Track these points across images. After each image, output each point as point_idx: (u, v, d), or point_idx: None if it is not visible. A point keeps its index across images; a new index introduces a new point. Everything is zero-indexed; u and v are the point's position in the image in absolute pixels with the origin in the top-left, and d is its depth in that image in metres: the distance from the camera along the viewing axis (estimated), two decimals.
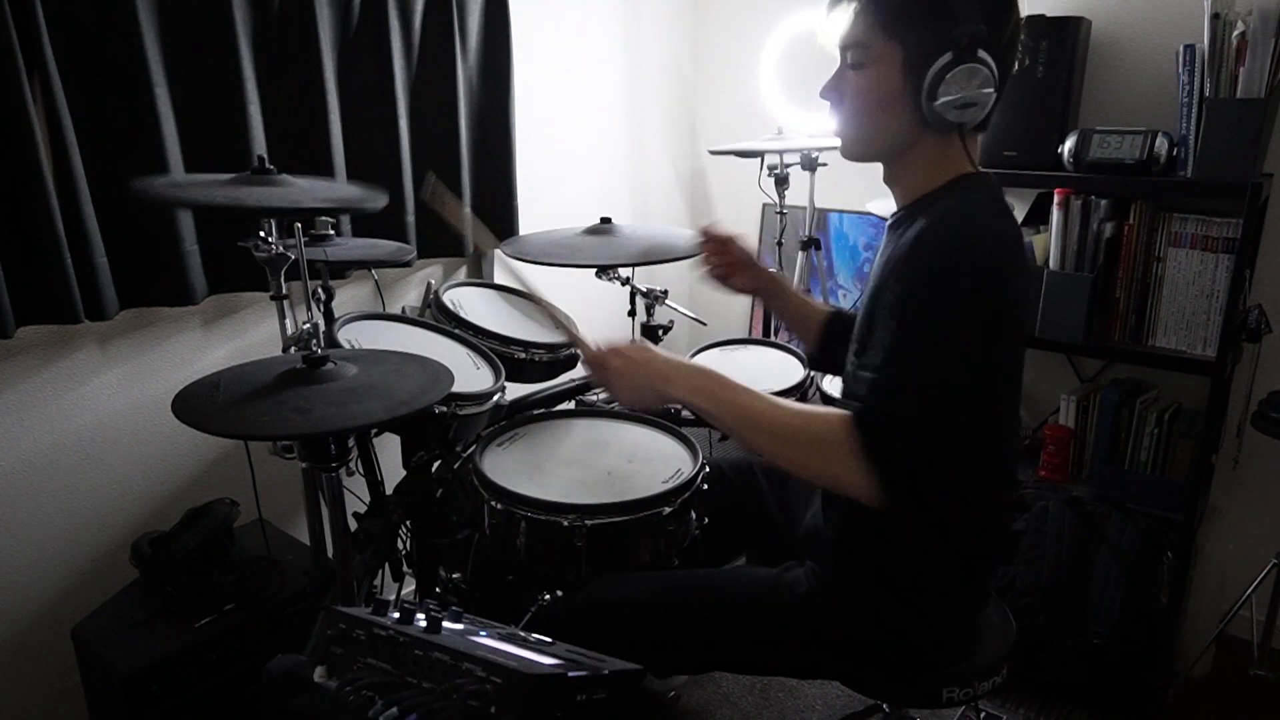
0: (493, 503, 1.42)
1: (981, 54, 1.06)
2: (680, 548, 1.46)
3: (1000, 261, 1.08)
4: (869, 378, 1.09)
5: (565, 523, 1.36)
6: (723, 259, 1.52)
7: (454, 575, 1.61)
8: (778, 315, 1.59)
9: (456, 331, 1.77)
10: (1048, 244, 2.07)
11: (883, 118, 1.14)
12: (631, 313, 2.04)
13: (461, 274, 2.34)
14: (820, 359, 1.59)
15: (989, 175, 1.19)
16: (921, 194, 1.18)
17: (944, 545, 1.20)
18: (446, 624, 0.90)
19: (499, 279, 2.33)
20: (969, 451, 1.13)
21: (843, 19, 1.14)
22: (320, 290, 1.61)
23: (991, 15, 1.07)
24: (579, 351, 1.28)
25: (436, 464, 1.70)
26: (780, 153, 2.29)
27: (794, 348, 2.11)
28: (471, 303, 1.92)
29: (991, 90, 1.08)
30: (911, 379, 1.04)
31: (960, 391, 1.06)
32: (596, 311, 2.36)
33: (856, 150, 1.21)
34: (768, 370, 1.99)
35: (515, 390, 1.87)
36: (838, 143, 1.23)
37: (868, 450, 1.04)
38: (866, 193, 1.27)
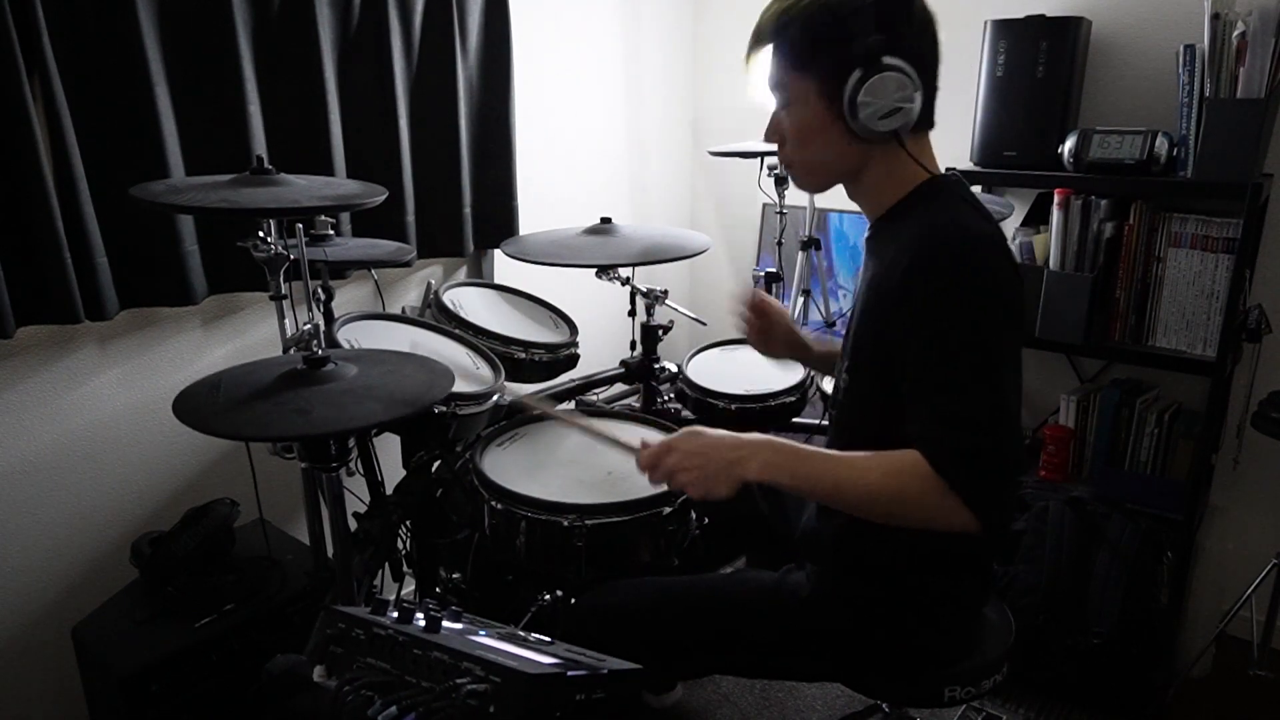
0: (493, 503, 1.42)
1: (889, 60, 1.06)
2: (680, 548, 1.46)
3: (1008, 265, 1.09)
4: (918, 414, 1.06)
5: (565, 523, 1.36)
6: (760, 327, 1.49)
7: (454, 575, 1.61)
8: (814, 370, 1.61)
9: (456, 331, 1.77)
10: (1048, 244, 2.07)
11: (821, 148, 1.16)
12: (631, 313, 2.04)
13: (461, 274, 2.34)
14: None
15: (952, 176, 1.19)
16: (889, 206, 1.18)
17: (944, 545, 1.20)
18: (446, 623, 0.90)
19: (505, 279, 2.33)
20: None
21: (762, 65, 1.17)
22: (320, 290, 1.61)
23: (885, 19, 1.07)
24: (635, 461, 1.19)
25: (436, 464, 1.70)
26: None
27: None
28: (471, 303, 1.93)
29: (914, 90, 1.08)
30: (980, 408, 1.02)
31: (1016, 398, 1.07)
32: (597, 311, 2.37)
33: (810, 183, 1.25)
34: (768, 370, 1.99)
35: (515, 390, 1.87)
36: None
37: (961, 489, 1.01)
38: None
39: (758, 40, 1.15)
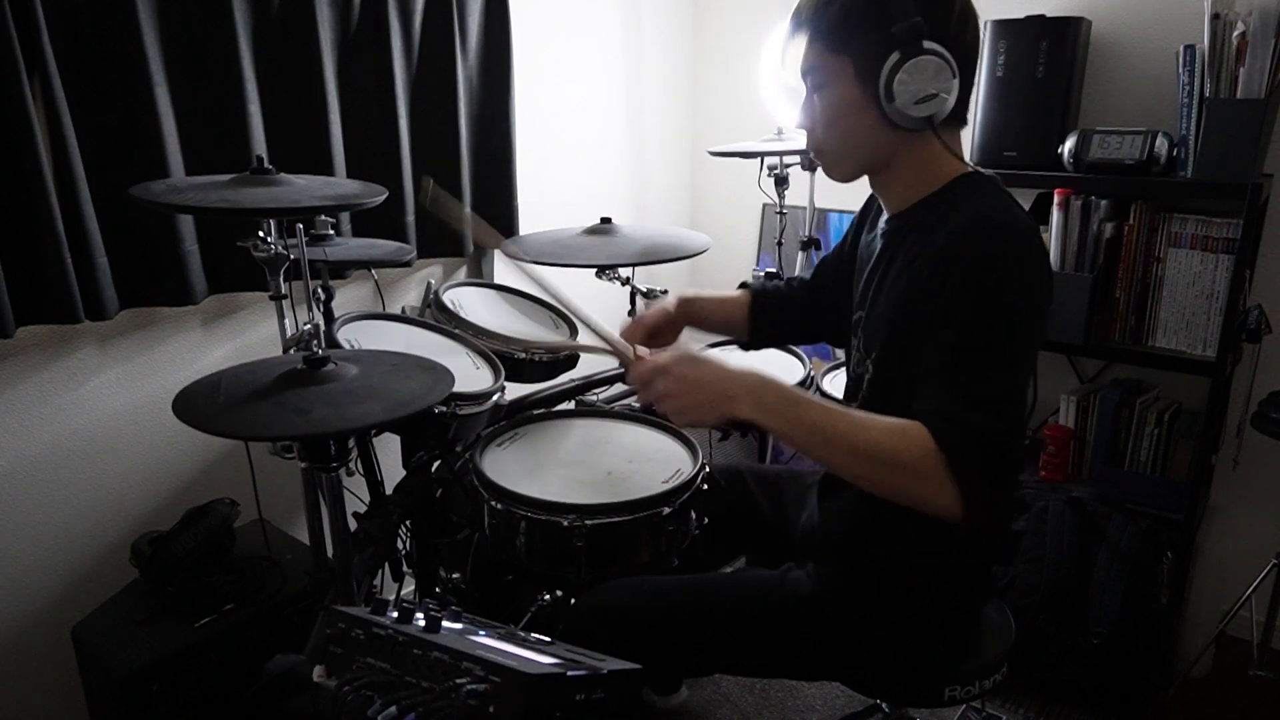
0: (493, 503, 1.42)
1: (929, 45, 1.05)
2: (680, 548, 1.46)
3: (1047, 261, 1.09)
4: (934, 392, 1.04)
5: (565, 523, 1.36)
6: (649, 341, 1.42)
7: (454, 575, 1.61)
8: (704, 329, 1.54)
9: (456, 331, 1.77)
10: (1048, 244, 2.07)
11: (853, 132, 1.14)
12: (632, 313, 2.04)
13: (461, 274, 2.34)
14: (756, 340, 1.58)
15: (991, 174, 1.18)
16: (920, 197, 1.17)
17: (947, 545, 1.20)
18: (445, 623, 0.90)
19: (505, 279, 2.33)
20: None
21: (799, 49, 1.15)
22: (320, 290, 1.61)
23: (928, 4, 1.06)
24: (621, 364, 1.16)
25: (436, 464, 1.70)
26: (780, 153, 2.29)
27: (794, 348, 2.10)
28: (471, 303, 1.93)
29: (951, 78, 1.07)
30: (997, 393, 1.02)
31: (1027, 395, 1.06)
32: (597, 311, 2.37)
33: (841, 170, 1.21)
34: (767, 370, 1.98)
35: (515, 390, 1.87)
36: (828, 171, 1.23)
37: (959, 469, 1.00)
38: (866, 193, 1.27)
39: (796, 26, 1.14)
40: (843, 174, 1.21)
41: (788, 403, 1.08)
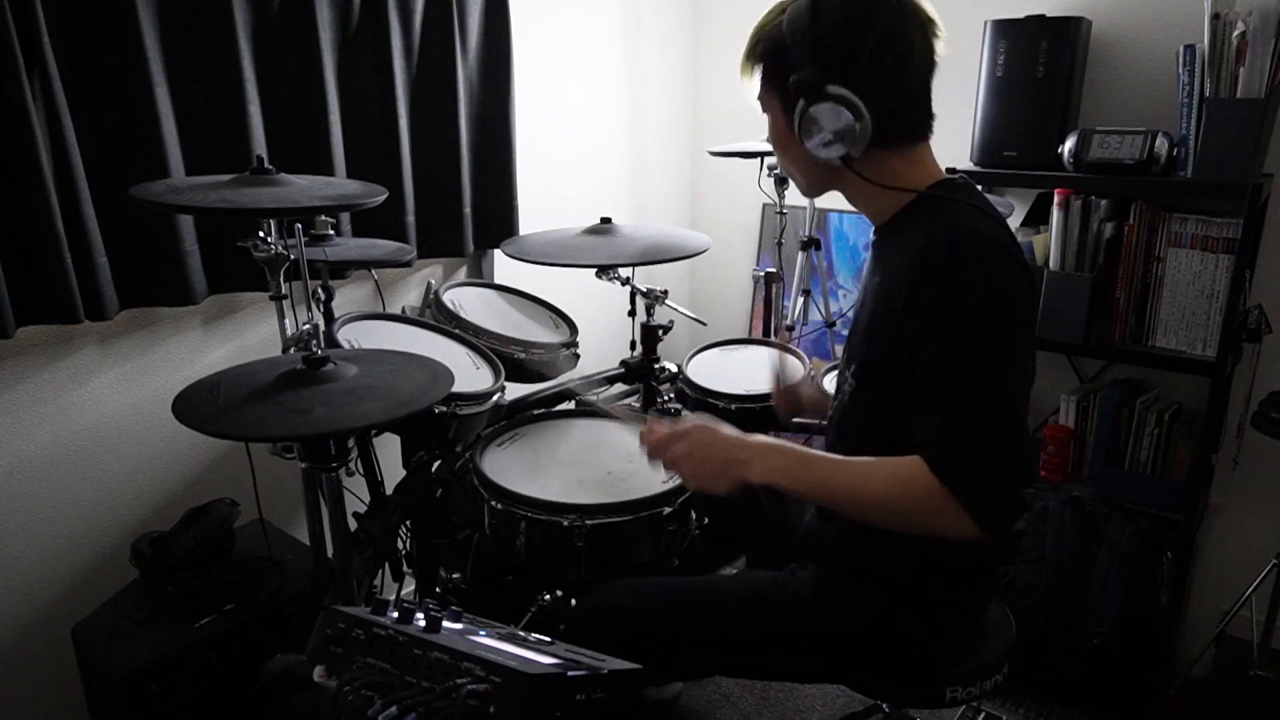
0: (493, 503, 1.42)
1: (832, 89, 1.07)
2: (680, 548, 1.46)
3: (1019, 268, 1.08)
4: (925, 423, 1.05)
5: (565, 523, 1.36)
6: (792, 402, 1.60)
7: (454, 575, 1.61)
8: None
9: (456, 331, 1.78)
10: (1048, 244, 2.07)
11: (794, 159, 1.20)
12: (631, 313, 2.04)
13: (461, 274, 2.34)
14: None
15: (960, 180, 1.17)
16: (890, 215, 1.17)
17: (947, 547, 1.20)
18: (446, 623, 0.90)
19: (505, 279, 2.33)
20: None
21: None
22: (320, 290, 1.61)
23: (829, 49, 1.07)
24: (642, 438, 1.22)
25: (436, 464, 1.70)
26: None
27: (793, 348, 2.11)
28: (471, 303, 1.93)
29: (854, 120, 1.07)
30: (986, 412, 1.02)
31: (1024, 405, 1.07)
32: (597, 311, 2.37)
33: (799, 186, 1.27)
34: (767, 370, 1.98)
35: (515, 390, 1.87)
36: None
37: (965, 496, 1.01)
38: None
39: (745, 54, 1.21)
40: (803, 190, 1.28)
41: (795, 463, 1.11)
